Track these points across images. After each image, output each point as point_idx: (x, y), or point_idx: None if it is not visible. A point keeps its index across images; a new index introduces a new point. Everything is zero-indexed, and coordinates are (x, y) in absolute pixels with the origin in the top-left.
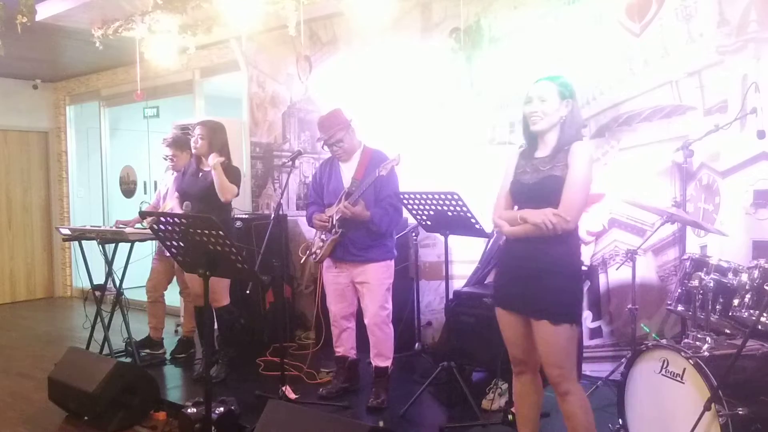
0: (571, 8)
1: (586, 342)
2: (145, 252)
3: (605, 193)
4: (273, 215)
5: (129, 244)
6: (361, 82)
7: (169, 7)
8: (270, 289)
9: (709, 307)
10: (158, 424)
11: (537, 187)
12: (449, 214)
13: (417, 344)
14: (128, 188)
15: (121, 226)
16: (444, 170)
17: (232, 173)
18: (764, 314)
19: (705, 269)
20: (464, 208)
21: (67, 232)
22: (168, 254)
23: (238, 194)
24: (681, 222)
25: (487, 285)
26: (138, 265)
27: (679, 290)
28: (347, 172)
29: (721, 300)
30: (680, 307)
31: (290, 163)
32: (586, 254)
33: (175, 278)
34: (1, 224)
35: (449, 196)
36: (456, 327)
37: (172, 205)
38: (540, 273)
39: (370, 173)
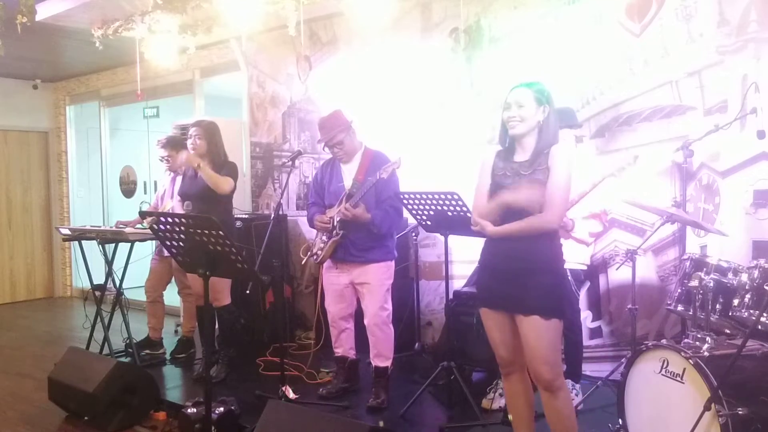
0: (571, 8)
1: (586, 342)
2: (145, 252)
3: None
4: (273, 215)
5: (129, 244)
6: (361, 82)
7: (169, 7)
8: (270, 289)
9: (709, 307)
10: (158, 424)
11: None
12: (449, 214)
13: (417, 344)
14: (128, 188)
15: (121, 226)
16: (444, 170)
17: (230, 168)
18: (764, 314)
19: (705, 269)
20: (464, 208)
21: (67, 232)
22: (167, 254)
23: (235, 186)
24: (681, 222)
25: None
26: (138, 265)
27: (679, 290)
28: (348, 173)
29: (721, 300)
30: (680, 307)
31: (290, 163)
32: (586, 254)
33: (173, 278)
34: (1, 224)
35: (449, 196)
36: (456, 327)
37: (171, 205)
38: (527, 271)
39: (371, 175)
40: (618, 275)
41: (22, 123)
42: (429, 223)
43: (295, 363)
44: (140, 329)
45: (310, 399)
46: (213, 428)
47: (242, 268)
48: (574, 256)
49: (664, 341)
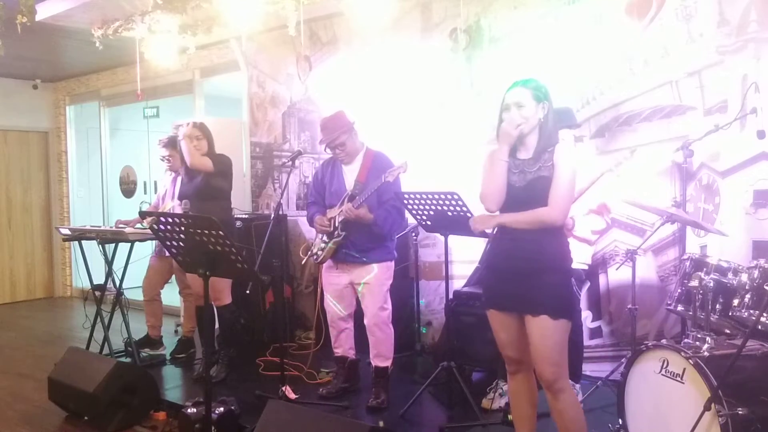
0: (571, 8)
1: (586, 342)
2: (145, 252)
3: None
4: (273, 215)
5: (129, 244)
6: (361, 82)
7: (169, 7)
8: (270, 289)
9: (709, 307)
10: (158, 424)
11: (527, 189)
12: (449, 214)
13: (417, 344)
14: (128, 188)
15: (121, 226)
16: (444, 170)
17: (222, 162)
18: (764, 314)
19: (705, 269)
20: (464, 208)
21: (67, 232)
22: (167, 254)
23: (212, 170)
24: (681, 222)
25: None
26: (138, 265)
27: (679, 290)
28: (350, 174)
29: (721, 300)
30: (680, 307)
31: (290, 163)
32: (587, 254)
33: (173, 278)
34: (1, 224)
35: (449, 196)
36: (456, 327)
37: (172, 205)
38: (535, 270)
39: (373, 176)
40: (618, 275)
41: (22, 123)
42: (429, 223)
43: (295, 363)
44: (140, 329)
45: (310, 399)
46: (213, 428)
47: (242, 268)
48: (575, 256)
49: (664, 341)
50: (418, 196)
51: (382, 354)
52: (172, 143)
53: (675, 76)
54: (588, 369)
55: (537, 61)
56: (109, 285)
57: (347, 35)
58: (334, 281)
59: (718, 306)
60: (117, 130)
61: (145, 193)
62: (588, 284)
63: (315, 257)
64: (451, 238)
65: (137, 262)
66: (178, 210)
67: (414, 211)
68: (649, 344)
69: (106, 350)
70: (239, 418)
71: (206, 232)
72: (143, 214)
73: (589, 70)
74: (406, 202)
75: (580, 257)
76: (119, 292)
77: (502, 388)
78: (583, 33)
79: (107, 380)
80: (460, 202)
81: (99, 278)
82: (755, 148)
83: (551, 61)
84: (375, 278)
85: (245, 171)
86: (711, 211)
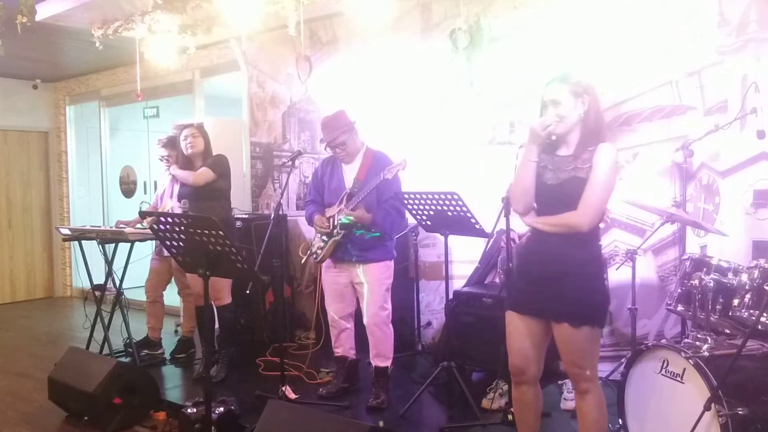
0: (571, 8)
1: None
2: (145, 252)
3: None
4: (273, 215)
5: (129, 244)
6: (361, 82)
7: (169, 7)
8: (270, 289)
9: (709, 307)
10: (158, 424)
11: (559, 188)
12: (449, 214)
13: (417, 344)
14: (128, 188)
15: (121, 226)
16: (444, 170)
17: (212, 160)
18: (764, 314)
19: (705, 269)
20: (464, 208)
21: (67, 232)
22: (167, 254)
23: (214, 177)
24: (681, 222)
25: (487, 285)
26: (138, 265)
27: (679, 290)
28: (349, 172)
29: (721, 300)
30: (680, 307)
31: (290, 163)
32: None
33: (173, 278)
34: (1, 224)
35: (449, 196)
36: (456, 327)
37: (171, 205)
38: (562, 275)
39: (373, 175)
40: (618, 275)
41: (22, 123)
42: (429, 223)
43: (295, 363)
44: (140, 329)
45: (310, 399)
46: (213, 428)
47: (242, 268)
48: None
49: (664, 341)
50: (418, 196)
51: (382, 354)
52: (171, 143)
53: (675, 76)
54: None
55: (537, 61)
56: (109, 285)
57: (347, 35)
58: (333, 281)
59: (718, 306)
60: (117, 130)
61: (145, 193)
62: None
63: (314, 256)
64: (451, 238)
65: (137, 262)
66: (177, 210)
67: (414, 211)
68: (649, 344)
69: (106, 350)
70: (239, 418)
71: (206, 232)
72: (143, 214)
73: (589, 70)
74: (406, 202)
75: None
76: (119, 292)
77: (502, 388)
78: (583, 33)
79: (107, 380)
80: (460, 202)
81: (99, 278)
82: (755, 148)
83: (551, 61)
84: (375, 278)
85: (245, 171)
86: (711, 211)
